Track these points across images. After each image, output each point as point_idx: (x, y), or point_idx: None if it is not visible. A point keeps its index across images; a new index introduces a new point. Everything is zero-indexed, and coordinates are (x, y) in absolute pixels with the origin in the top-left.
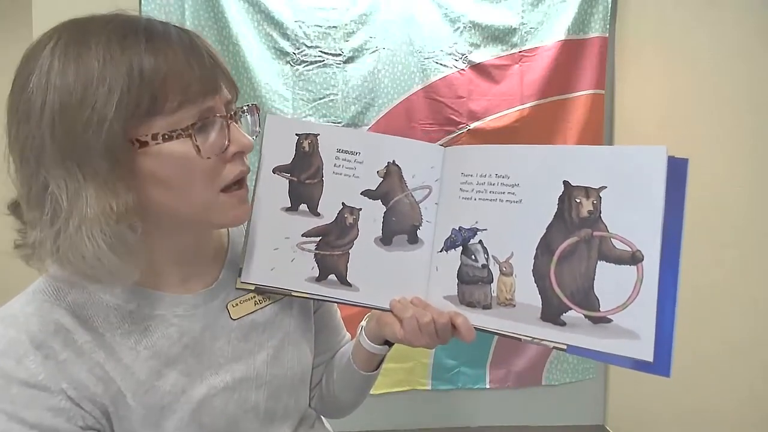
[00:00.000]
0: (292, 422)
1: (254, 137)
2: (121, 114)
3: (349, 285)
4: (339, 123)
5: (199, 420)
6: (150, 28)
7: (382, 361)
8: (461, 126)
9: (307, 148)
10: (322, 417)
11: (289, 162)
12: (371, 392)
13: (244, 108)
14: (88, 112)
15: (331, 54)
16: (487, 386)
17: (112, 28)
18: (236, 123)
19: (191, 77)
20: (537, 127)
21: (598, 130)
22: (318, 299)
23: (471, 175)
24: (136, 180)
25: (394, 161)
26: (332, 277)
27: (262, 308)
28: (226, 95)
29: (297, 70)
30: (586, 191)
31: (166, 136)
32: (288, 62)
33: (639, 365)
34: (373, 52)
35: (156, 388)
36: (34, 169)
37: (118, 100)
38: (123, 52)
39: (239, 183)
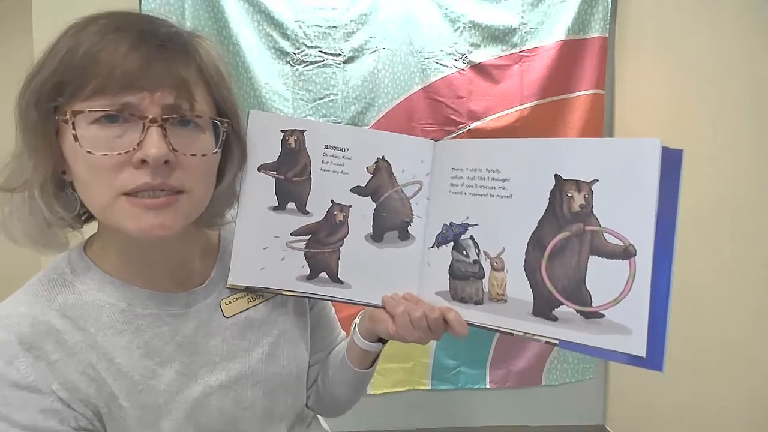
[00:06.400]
0: (290, 421)
1: (213, 153)
2: (43, 87)
3: (341, 282)
4: (339, 123)
5: (195, 420)
6: (116, 19)
7: (376, 358)
8: (461, 126)
9: (293, 145)
10: (318, 416)
11: (275, 159)
12: (371, 392)
13: (192, 117)
14: (27, 81)
15: (331, 54)
16: (487, 386)
17: (93, 18)
18: (165, 129)
19: (118, 69)
20: (537, 127)
21: (598, 130)
22: (310, 297)
23: (461, 170)
24: (65, 161)
25: (383, 157)
26: (323, 275)
27: (255, 306)
28: (166, 99)
29: (297, 70)
30: (578, 185)
31: (60, 120)
32: (288, 62)
33: (632, 360)
34: (373, 52)
35: (150, 387)
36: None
37: (46, 76)
38: (75, 36)
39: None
